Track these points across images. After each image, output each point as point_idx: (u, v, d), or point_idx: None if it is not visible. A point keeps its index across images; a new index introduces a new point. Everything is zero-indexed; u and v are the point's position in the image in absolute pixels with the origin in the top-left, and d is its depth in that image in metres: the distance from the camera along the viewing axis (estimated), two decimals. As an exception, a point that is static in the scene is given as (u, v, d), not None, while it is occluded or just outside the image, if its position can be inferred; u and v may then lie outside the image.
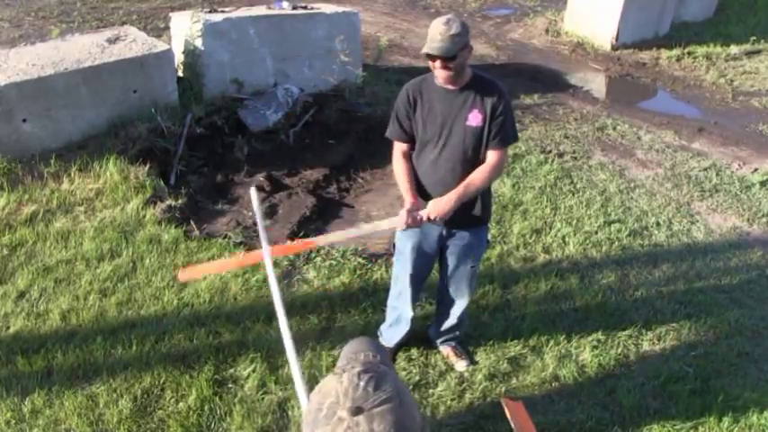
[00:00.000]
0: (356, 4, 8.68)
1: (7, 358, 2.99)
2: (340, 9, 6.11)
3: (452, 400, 2.92)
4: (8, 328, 3.18)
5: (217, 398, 2.84)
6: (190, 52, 5.41)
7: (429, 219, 2.54)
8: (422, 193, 2.64)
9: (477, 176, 2.54)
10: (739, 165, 5.45)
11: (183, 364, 3.00)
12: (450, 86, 2.51)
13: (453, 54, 2.36)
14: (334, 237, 2.85)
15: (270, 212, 4.39)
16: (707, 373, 3.16)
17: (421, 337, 3.20)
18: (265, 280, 3.37)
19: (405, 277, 2.87)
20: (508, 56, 7.99)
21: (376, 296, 3.49)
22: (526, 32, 8.94)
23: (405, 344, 3.16)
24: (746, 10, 9.82)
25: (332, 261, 3.80)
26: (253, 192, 2.86)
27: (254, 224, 4.04)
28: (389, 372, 1.35)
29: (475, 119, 2.49)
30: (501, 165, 2.58)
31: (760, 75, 7.65)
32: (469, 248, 2.77)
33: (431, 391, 2.96)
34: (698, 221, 4.55)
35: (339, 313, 3.40)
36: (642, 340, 3.37)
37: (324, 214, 4.46)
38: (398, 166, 2.68)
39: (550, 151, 5.39)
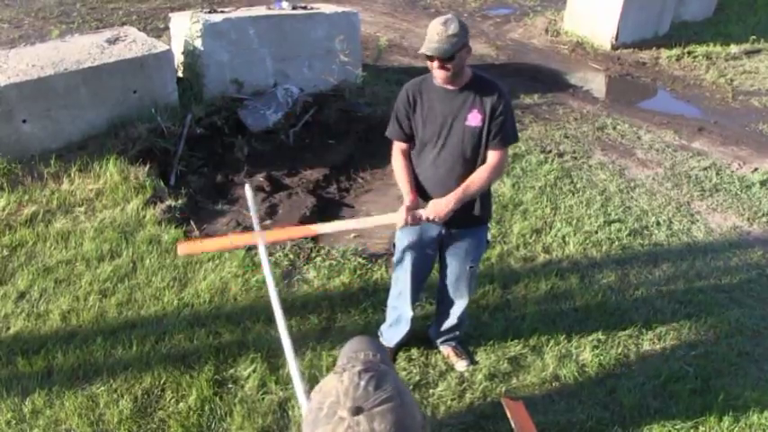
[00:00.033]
0: (356, 4, 8.68)
1: (7, 359, 2.99)
2: (340, 9, 6.10)
3: (453, 399, 2.92)
4: (8, 328, 3.18)
5: (217, 398, 2.84)
6: (189, 53, 5.41)
7: (428, 219, 2.54)
8: (422, 194, 2.64)
9: (478, 177, 2.54)
10: (739, 164, 5.45)
11: (183, 364, 3.00)
12: (450, 86, 2.51)
13: (451, 54, 2.36)
14: (334, 226, 2.85)
15: (270, 212, 4.39)
16: (707, 372, 3.16)
17: (421, 337, 3.20)
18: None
19: (405, 277, 2.87)
20: (508, 56, 7.99)
21: (376, 296, 3.49)
22: (526, 32, 8.94)
23: (405, 344, 3.16)
24: (746, 9, 9.82)
25: (332, 261, 3.80)
26: (247, 187, 2.88)
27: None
28: (390, 371, 1.35)
29: (474, 119, 2.49)
30: (501, 165, 2.58)
31: (760, 74, 7.65)
32: (469, 249, 2.77)
33: (431, 390, 2.96)
34: (698, 221, 4.55)
35: (339, 313, 3.40)
36: (642, 340, 3.37)
37: (324, 214, 4.45)
38: (398, 164, 2.68)
39: (550, 151, 5.39)
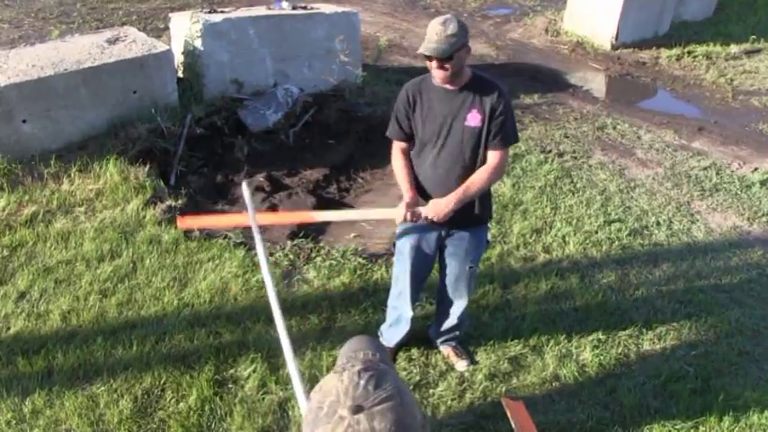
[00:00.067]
0: (356, 4, 8.68)
1: (8, 359, 2.98)
2: (340, 9, 6.10)
3: (453, 399, 2.92)
4: (9, 328, 3.18)
5: (217, 398, 2.84)
6: (189, 53, 5.41)
7: (426, 218, 2.54)
8: (422, 194, 2.64)
9: (478, 178, 2.54)
10: (739, 164, 5.45)
11: (183, 364, 3.00)
12: (449, 86, 2.51)
13: (449, 54, 2.35)
14: (332, 215, 2.84)
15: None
16: (707, 372, 3.16)
17: (421, 337, 3.20)
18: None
19: (404, 277, 2.87)
20: (508, 55, 7.99)
21: (376, 296, 3.49)
22: (526, 32, 8.93)
23: (405, 344, 3.16)
24: (746, 9, 9.82)
25: (332, 261, 3.79)
26: (244, 185, 2.89)
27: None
28: (389, 370, 1.35)
29: (474, 119, 2.49)
30: (502, 166, 2.58)
31: (760, 74, 7.65)
32: (469, 249, 2.77)
33: (431, 390, 2.96)
34: (698, 221, 4.55)
35: (339, 313, 3.40)
36: (642, 340, 3.36)
37: (324, 214, 4.45)
38: (397, 163, 2.68)
39: (550, 151, 5.39)
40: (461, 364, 3.09)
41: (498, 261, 3.90)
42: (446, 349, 3.16)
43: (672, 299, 3.69)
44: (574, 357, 3.20)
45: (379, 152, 4.79)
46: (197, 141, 4.93)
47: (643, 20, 8.38)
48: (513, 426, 2.60)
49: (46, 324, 3.20)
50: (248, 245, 3.91)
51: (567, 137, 5.72)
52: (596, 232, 4.27)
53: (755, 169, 5.34)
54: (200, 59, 5.32)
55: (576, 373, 3.10)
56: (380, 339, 3.15)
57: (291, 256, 3.83)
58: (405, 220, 2.54)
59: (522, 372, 3.10)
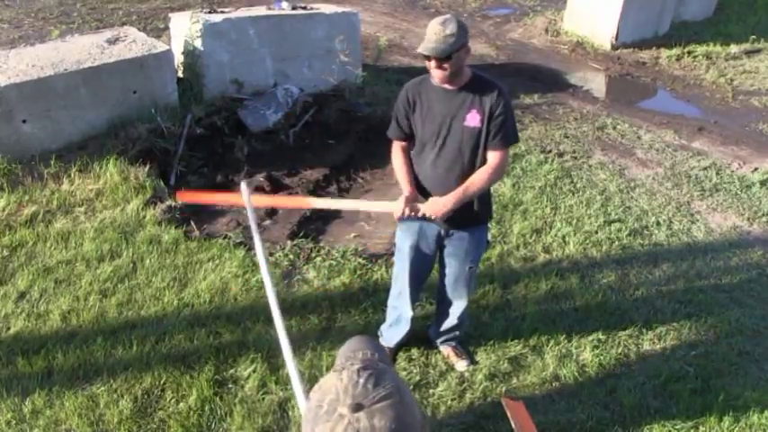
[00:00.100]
0: (356, 4, 8.69)
1: (8, 359, 2.99)
2: (340, 9, 6.11)
3: (453, 399, 2.92)
4: (9, 328, 3.18)
5: (217, 398, 2.84)
6: (189, 53, 5.41)
7: (424, 216, 2.54)
8: (422, 193, 2.64)
9: (478, 178, 2.54)
10: (739, 164, 5.45)
11: (183, 364, 3.00)
12: (448, 86, 2.51)
13: (447, 54, 2.35)
14: (329, 203, 2.84)
15: (270, 212, 4.39)
16: (707, 372, 3.16)
17: (421, 337, 3.20)
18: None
19: (404, 276, 2.87)
20: (508, 55, 7.99)
21: (376, 296, 3.49)
22: (526, 32, 8.94)
23: (405, 344, 3.16)
24: (746, 9, 9.83)
25: (332, 261, 3.80)
26: (243, 185, 2.88)
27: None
28: (388, 369, 1.36)
29: (473, 119, 2.49)
30: (502, 166, 2.57)
31: (760, 74, 7.65)
32: (469, 249, 2.76)
33: (431, 390, 2.96)
34: (698, 221, 4.55)
35: (339, 313, 3.40)
36: (642, 340, 3.36)
37: (324, 214, 4.45)
38: (397, 161, 2.69)
39: (550, 151, 5.39)
40: (461, 364, 3.09)
41: (498, 261, 3.90)
42: (446, 349, 3.16)
43: (672, 299, 3.69)
44: (574, 357, 3.20)
45: (379, 152, 4.79)
46: (197, 141, 4.93)
47: (643, 20, 8.38)
48: (513, 426, 2.60)
49: (46, 324, 3.20)
50: (248, 245, 3.91)
51: (567, 137, 5.72)
52: (596, 232, 4.27)
53: (755, 169, 5.34)
54: (201, 59, 5.33)
55: (576, 373, 3.10)
56: (380, 339, 3.16)
57: (291, 256, 3.83)
58: (403, 214, 2.54)
59: (522, 372, 3.10)
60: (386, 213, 4.37)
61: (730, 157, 5.57)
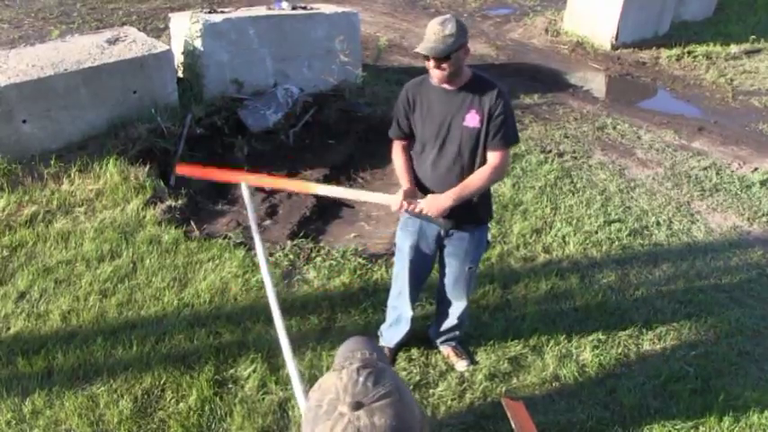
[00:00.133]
0: (356, 4, 8.69)
1: (8, 359, 2.99)
2: (339, 9, 6.11)
3: (453, 399, 2.92)
4: (8, 328, 3.18)
5: (217, 398, 2.84)
6: (189, 53, 5.41)
7: (421, 211, 2.54)
8: (423, 192, 2.64)
9: (477, 177, 2.54)
10: (739, 164, 5.45)
11: (183, 364, 3.00)
12: (448, 86, 2.51)
13: (446, 54, 2.35)
14: (329, 190, 2.84)
15: (270, 213, 4.40)
16: (707, 372, 3.16)
17: (421, 337, 3.20)
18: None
19: (404, 275, 2.87)
20: (508, 56, 8.00)
21: (376, 296, 3.49)
22: (526, 32, 8.94)
23: (405, 344, 3.16)
24: (746, 9, 9.83)
25: (332, 261, 3.79)
26: (244, 186, 2.88)
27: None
28: (387, 368, 1.36)
29: (472, 120, 2.49)
30: (502, 166, 2.57)
31: (760, 74, 7.65)
32: (468, 249, 2.76)
33: (431, 391, 2.96)
34: (698, 221, 4.55)
35: (339, 313, 3.40)
36: (642, 340, 3.36)
37: (324, 214, 4.46)
38: (398, 158, 2.71)
39: (550, 151, 5.39)
40: (461, 364, 3.09)
41: (498, 261, 3.90)
42: (446, 349, 3.16)
43: (672, 299, 3.69)
44: (574, 357, 3.20)
45: (379, 152, 4.80)
46: (197, 141, 4.93)
47: (643, 20, 8.38)
48: (513, 426, 2.60)
49: (46, 324, 3.20)
50: (248, 245, 3.91)
51: (567, 137, 5.72)
52: (596, 232, 4.27)
53: (755, 169, 5.34)
54: (201, 59, 5.33)
55: (576, 373, 3.10)
56: (380, 339, 3.16)
57: (291, 257, 3.83)
58: (401, 207, 2.54)
59: (522, 372, 3.10)
60: (386, 213, 4.39)
61: (730, 157, 5.57)
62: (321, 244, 4.02)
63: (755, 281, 3.94)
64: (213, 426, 2.72)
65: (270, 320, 3.21)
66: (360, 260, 3.80)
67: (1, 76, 4.33)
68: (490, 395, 2.95)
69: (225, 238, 3.99)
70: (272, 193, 4.62)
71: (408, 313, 2.98)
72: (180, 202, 4.30)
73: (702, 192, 4.95)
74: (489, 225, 2.91)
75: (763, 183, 5.10)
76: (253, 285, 3.53)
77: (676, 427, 2.82)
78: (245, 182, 2.83)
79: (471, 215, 2.66)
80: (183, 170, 3.11)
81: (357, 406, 1.19)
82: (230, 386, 2.91)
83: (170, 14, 6.06)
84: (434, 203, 2.52)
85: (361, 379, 1.25)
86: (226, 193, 4.64)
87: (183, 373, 2.95)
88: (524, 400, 2.86)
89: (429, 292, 3.31)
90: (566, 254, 4.03)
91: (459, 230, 2.71)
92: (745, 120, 6.47)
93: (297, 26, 5.68)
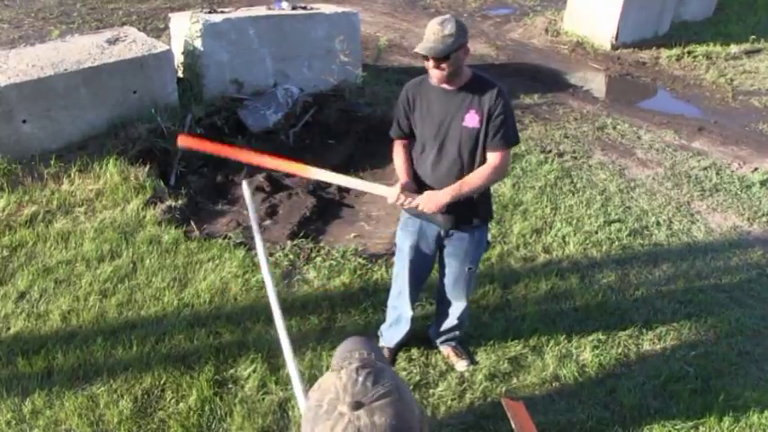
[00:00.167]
0: (356, 4, 8.69)
1: (8, 359, 2.99)
2: (340, 9, 6.11)
3: (453, 400, 2.92)
4: (8, 328, 3.18)
5: (217, 398, 2.84)
6: (189, 53, 5.41)
7: (418, 207, 2.54)
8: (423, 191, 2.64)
9: (476, 176, 2.54)
10: (739, 164, 5.45)
11: (183, 364, 3.00)
12: (447, 87, 2.51)
13: (445, 54, 2.35)
14: (327, 176, 2.83)
15: (270, 213, 4.40)
16: (707, 372, 3.16)
17: (421, 337, 3.20)
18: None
19: (404, 274, 2.87)
20: (508, 56, 8.00)
21: (376, 296, 3.49)
22: (526, 32, 8.94)
23: (405, 344, 3.16)
24: (746, 9, 9.83)
25: (332, 261, 3.80)
26: (244, 185, 2.88)
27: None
28: (386, 367, 1.36)
29: (472, 120, 2.49)
30: (502, 166, 2.57)
31: (760, 74, 7.65)
32: (468, 249, 2.76)
33: (431, 391, 2.96)
34: (698, 221, 4.55)
35: (339, 313, 3.40)
36: (642, 340, 3.36)
37: (324, 214, 4.46)
38: (398, 157, 2.71)
39: (550, 151, 5.39)
40: (461, 365, 3.09)
41: (498, 261, 3.90)
42: (446, 349, 3.16)
43: (672, 299, 3.69)
44: (574, 357, 3.20)
45: (379, 152, 4.80)
46: (197, 141, 4.93)
47: (643, 20, 8.38)
48: (513, 426, 2.59)
49: (46, 324, 3.20)
50: (248, 245, 3.91)
51: (567, 137, 5.72)
52: (596, 232, 4.27)
53: (755, 169, 5.34)
54: (201, 59, 5.33)
55: (576, 373, 3.10)
56: (380, 339, 3.16)
57: (291, 256, 3.83)
58: (397, 200, 2.54)
59: (522, 372, 3.10)
60: (386, 213, 4.39)
61: (730, 157, 5.57)
62: (321, 244, 4.02)
63: (755, 281, 3.94)
64: (213, 426, 2.72)
65: (270, 320, 3.22)
66: (360, 260, 3.80)
67: (1, 76, 4.33)
68: (490, 395, 2.95)
69: (225, 238, 3.99)
70: (272, 193, 4.62)
71: (408, 313, 2.98)
72: (180, 202, 4.30)
73: (702, 192, 4.95)
74: (489, 225, 2.91)
75: (763, 183, 5.10)
76: (253, 285, 3.53)
77: (676, 427, 2.82)
78: (246, 159, 2.83)
79: (471, 215, 2.66)
80: (184, 142, 3.09)
81: (357, 405, 1.19)
82: (230, 386, 2.91)
83: (170, 14, 6.06)
84: (432, 199, 2.52)
85: (361, 378, 1.25)
86: (226, 193, 4.65)
87: (182, 373, 2.95)
88: (524, 400, 2.86)
89: (429, 292, 3.31)
90: (566, 254, 4.03)
91: (459, 231, 2.71)
92: (745, 120, 6.47)
93: (297, 26, 5.68)
